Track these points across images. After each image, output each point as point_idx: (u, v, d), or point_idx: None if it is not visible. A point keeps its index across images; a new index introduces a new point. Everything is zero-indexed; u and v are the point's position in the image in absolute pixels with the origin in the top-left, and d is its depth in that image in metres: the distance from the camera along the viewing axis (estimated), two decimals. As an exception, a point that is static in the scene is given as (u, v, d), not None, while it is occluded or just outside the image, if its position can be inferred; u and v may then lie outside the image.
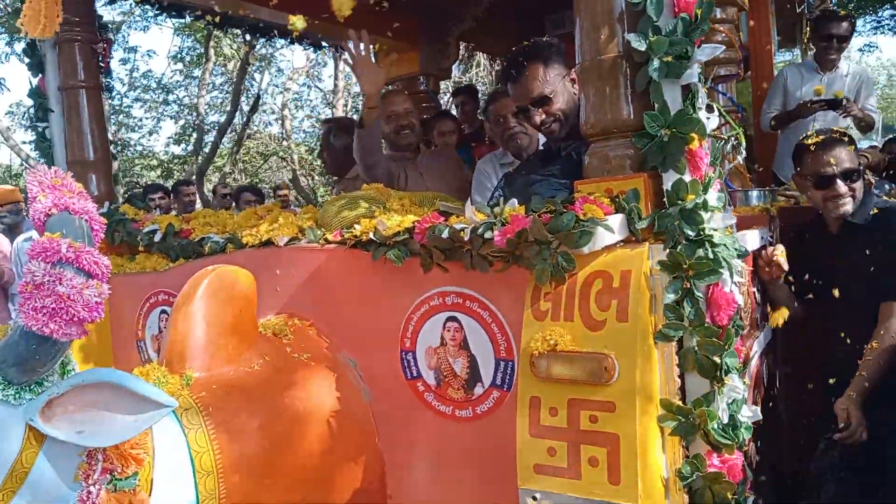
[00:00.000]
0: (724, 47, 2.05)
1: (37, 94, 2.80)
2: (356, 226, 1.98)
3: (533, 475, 1.54)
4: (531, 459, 1.55)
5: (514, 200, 1.70)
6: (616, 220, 1.54)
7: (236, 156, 14.07)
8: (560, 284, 1.58)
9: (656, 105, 1.51)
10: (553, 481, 1.51)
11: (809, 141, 2.18)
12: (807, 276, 2.22)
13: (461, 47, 4.87)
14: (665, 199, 1.54)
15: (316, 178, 14.59)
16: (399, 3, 4.33)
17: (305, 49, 4.51)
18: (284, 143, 14.95)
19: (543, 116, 2.09)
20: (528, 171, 1.89)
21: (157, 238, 2.52)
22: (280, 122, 15.27)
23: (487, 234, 1.63)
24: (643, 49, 1.51)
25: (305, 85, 16.13)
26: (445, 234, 1.73)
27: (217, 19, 3.70)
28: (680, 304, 1.51)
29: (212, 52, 12.90)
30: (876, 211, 2.22)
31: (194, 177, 11.67)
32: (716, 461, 1.51)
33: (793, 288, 2.24)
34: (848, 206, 2.17)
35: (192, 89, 15.36)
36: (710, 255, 1.49)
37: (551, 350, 1.51)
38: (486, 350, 1.81)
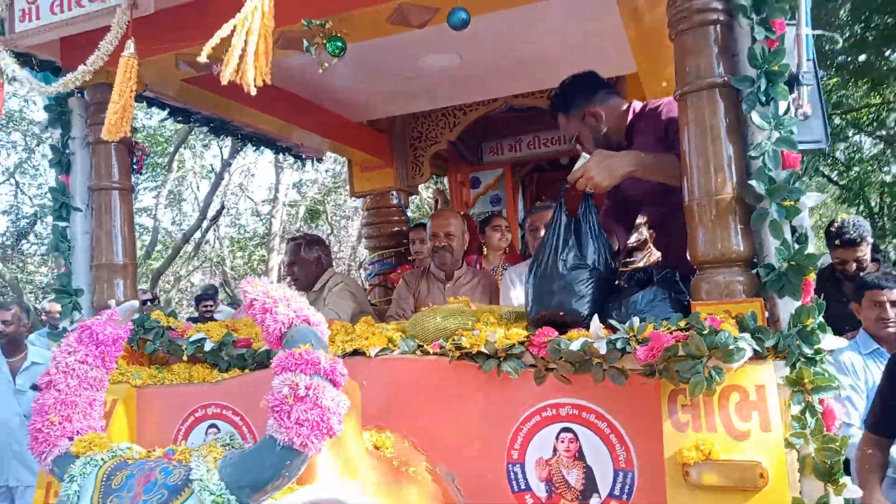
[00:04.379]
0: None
1: (61, 192, 2.67)
2: (461, 338, 2.05)
3: (690, 582, 1.62)
4: (687, 566, 1.63)
5: (636, 319, 1.86)
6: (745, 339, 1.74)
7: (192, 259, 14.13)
8: (697, 398, 1.73)
9: (777, 241, 1.77)
10: (712, 586, 1.60)
11: None
12: None
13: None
14: (784, 322, 1.77)
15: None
16: (380, 125, 4.59)
17: (286, 158, 4.56)
18: (215, 248, 15.13)
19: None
20: (630, 294, 2.07)
21: (207, 347, 2.41)
22: (215, 230, 15.37)
23: (628, 348, 1.78)
24: (763, 193, 1.78)
25: (234, 195, 16.19)
26: (576, 347, 1.85)
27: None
28: (802, 415, 1.72)
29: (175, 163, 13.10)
30: None
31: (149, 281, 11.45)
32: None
33: None
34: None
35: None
36: (826, 373, 1.73)
37: (706, 459, 1.64)
38: (605, 461, 1.90)
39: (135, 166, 2.76)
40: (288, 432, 1.20)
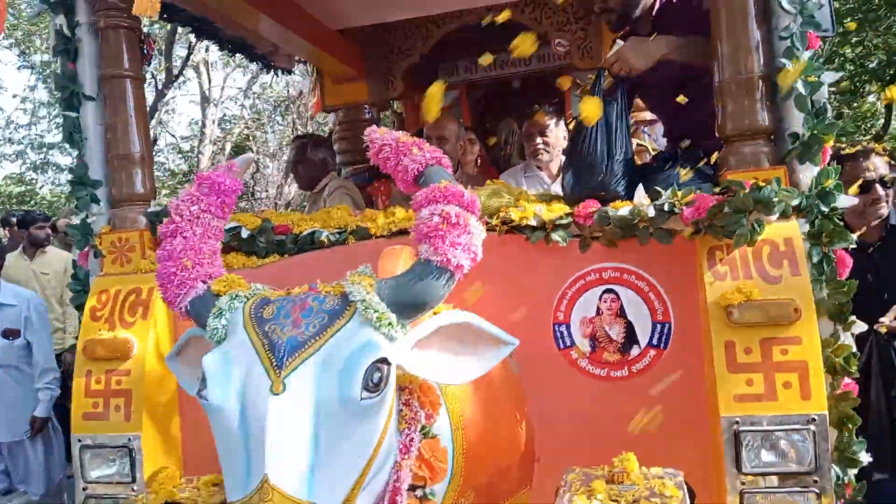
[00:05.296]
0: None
1: (71, 80, 2.56)
2: (509, 212, 2.20)
3: (734, 404, 1.88)
4: (731, 392, 1.89)
5: (675, 186, 2.07)
6: (776, 200, 1.98)
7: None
8: (734, 252, 1.97)
9: (802, 113, 2.00)
10: (753, 406, 1.87)
11: (847, 151, 2.72)
12: None
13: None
14: (806, 185, 2.02)
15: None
16: (351, 33, 4.54)
17: (266, 71, 4.46)
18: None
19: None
20: (660, 170, 2.28)
21: (244, 234, 2.44)
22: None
23: (675, 210, 1.98)
24: (791, 70, 2.00)
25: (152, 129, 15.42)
26: (625, 213, 2.04)
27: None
28: (820, 264, 1.99)
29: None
30: None
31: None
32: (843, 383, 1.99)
33: None
34: (885, 209, 2.59)
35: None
36: (840, 227, 2.00)
37: (747, 300, 1.89)
38: (643, 316, 2.12)
39: (144, 54, 2.69)
40: (444, 254, 1.31)
